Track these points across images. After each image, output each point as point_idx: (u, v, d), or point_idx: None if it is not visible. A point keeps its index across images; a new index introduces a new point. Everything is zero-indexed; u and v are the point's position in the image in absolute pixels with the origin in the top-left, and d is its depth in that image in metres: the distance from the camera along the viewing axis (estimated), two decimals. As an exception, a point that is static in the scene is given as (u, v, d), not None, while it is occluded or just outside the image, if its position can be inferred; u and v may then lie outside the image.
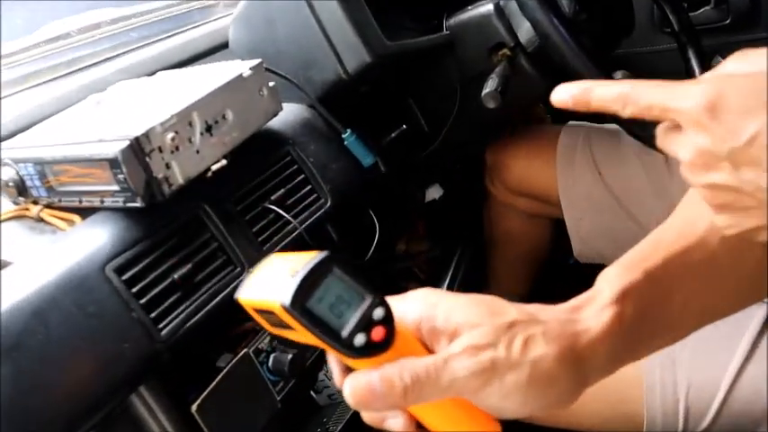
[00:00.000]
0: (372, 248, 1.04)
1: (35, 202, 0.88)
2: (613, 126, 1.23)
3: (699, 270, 0.57)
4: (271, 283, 0.46)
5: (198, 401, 0.80)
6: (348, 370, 0.50)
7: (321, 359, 0.98)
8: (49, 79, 1.07)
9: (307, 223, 0.94)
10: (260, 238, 0.89)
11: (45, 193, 0.86)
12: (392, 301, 0.50)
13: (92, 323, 0.73)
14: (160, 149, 0.79)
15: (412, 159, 1.19)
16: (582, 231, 1.25)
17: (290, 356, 0.90)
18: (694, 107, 0.45)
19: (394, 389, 0.47)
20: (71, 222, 0.85)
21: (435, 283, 1.40)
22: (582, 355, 0.50)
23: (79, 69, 1.10)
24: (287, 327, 0.46)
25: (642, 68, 1.53)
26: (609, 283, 0.54)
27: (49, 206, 0.88)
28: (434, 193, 1.35)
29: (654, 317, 0.54)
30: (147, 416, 0.79)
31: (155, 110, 0.82)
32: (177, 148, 0.81)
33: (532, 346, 0.48)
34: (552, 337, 0.49)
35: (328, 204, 0.98)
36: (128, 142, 0.76)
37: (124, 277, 0.77)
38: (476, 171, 1.39)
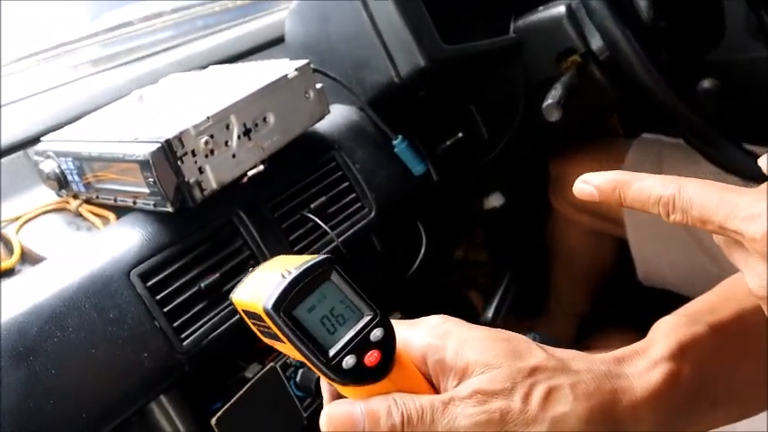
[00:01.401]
0: (417, 263, 0.99)
1: (75, 197, 0.88)
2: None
3: None
4: (264, 283, 0.41)
5: (218, 414, 0.78)
6: (339, 397, 0.43)
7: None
8: (102, 69, 1.07)
9: (347, 234, 0.90)
10: (296, 248, 0.86)
11: (84, 189, 0.85)
12: (399, 325, 0.44)
13: (111, 329, 0.71)
14: (193, 153, 0.76)
15: (469, 166, 1.12)
16: (647, 257, 1.16)
17: (319, 372, 0.86)
18: (760, 236, 0.37)
19: (378, 427, 0.40)
20: (106, 220, 0.84)
21: (494, 292, 1.34)
22: (620, 418, 0.41)
23: (134, 60, 1.08)
24: (276, 337, 0.41)
25: (735, 77, 1.41)
26: (665, 335, 0.45)
27: (88, 201, 0.87)
28: (495, 201, 1.29)
29: (717, 383, 0.46)
30: (165, 425, 0.77)
31: (193, 110, 0.80)
32: (212, 152, 0.78)
33: (556, 399, 0.40)
34: (584, 392, 0.41)
35: (372, 214, 0.93)
36: (158, 145, 0.74)
37: (149, 284, 0.75)
38: (540, 182, 1.31)
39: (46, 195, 0.89)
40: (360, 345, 0.40)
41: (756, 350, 0.47)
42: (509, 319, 1.22)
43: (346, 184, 0.93)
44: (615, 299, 1.37)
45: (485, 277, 1.38)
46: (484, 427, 0.39)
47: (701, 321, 0.46)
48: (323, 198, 0.89)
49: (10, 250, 0.82)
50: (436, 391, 0.43)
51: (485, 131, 1.11)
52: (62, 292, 0.70)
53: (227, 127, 0.80)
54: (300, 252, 0.86)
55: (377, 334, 0.40)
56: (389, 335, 0.41)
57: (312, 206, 0.88)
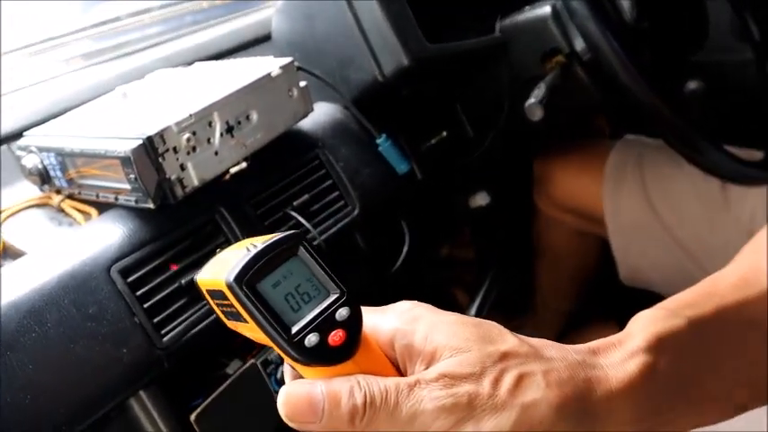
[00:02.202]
0: (401, 261, 1.00)
1: (58, 192, 0.88)
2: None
3: (759, 331, 0.47)
4: (228, 260, 0.39)
5: (198, 411, 0.78)
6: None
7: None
8: (88, 65, 1.07)
9: (329, 232, 0.90)
10: (278, 245, 0.86)
11: (66, 184, 0.85)
12: (369, 310, 0.43)
13: (90, 325, 0.71)
14: (175, 150, 0.77)
15: (454, 165, 1.13)
16: (629, 258, 1.17)
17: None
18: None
19: (339, 408, 0.38)
20: (88, 216, 0.84)
21: (478, 289, 1.35)
22: (593, 409, 0.39)
23: (120, 56, 1.08)
24: (239, 317, 0.40)
25: (719, 79, 1.41)
26: (642, 327, 0.44)
27: (70, 197, 0.87)
28: (481, 199, 1.29)
29: (696, 379, 0.44)
30: (144, 421, 0.77)
31: (176, 107, 0.80)
32: (194, 149, 0.78)
33: (527, 386, 0.38)
34: (556, 380, 0.39)
35: (356, 212, 0.94)
36: (140, 141, 0.74)
37: (129, 279, 0.75)
38: (525, 181, 1.32)
39: (29, 191, 0.90)
40: (324, 323, 0.39)
41: (739, 349, 0.47)
42: (494, 317, 1.22)
43: (329, 182, 0.93)
44: (601, 297, 1.38)
45: (470, 276, 1.38)
46: (450, 411, 0.37)
47: (681, 315, 0.45)
48: (306, 196, 0.90)
49: (-8, 245, 0.82)
50: (403, 376, 0.41)
51: (470, 130, 1.11)
52: (41, 287, 0.71)
53: (210, 124, 0.80)
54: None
55: (342, 313, 0.39)
56: (356, 315, 0.40)
57: (295, 204, 0.89)
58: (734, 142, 1.02)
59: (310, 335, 0.38)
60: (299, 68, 0.91)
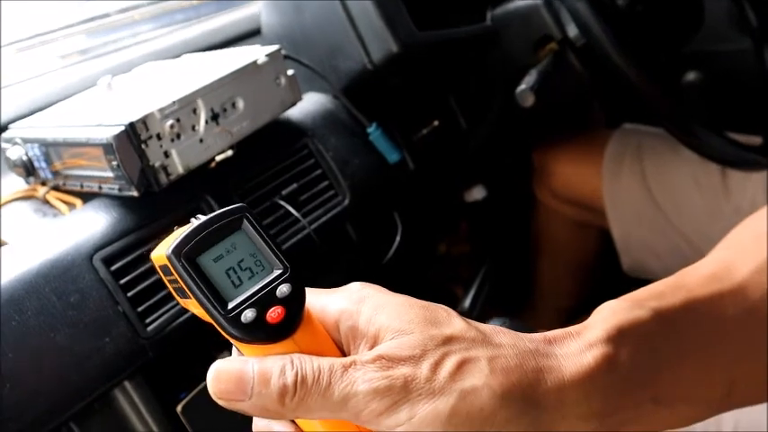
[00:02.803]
0: (392, 251, 0.98)
1: (43, 184, 0.87)
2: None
3: (730, 326, 0.44)
4: (177, 234, 0.39)
5: (184, 402, 0.77)
6: None
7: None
8: (76, 61, 1.06)
9: (319, 222, 0.89)
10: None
11: (51, 176, 0.84)
12: (319, 291, 0.42)
13: (71, 314, 0.70)
14: (158, 137, 0.75)
15: (448, 157, 1.12)
16: (631, 248, 1.15)
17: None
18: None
19: (269, 387, 0.36)
20: (72, 206, 0.83)
21: (473, 281, 1.32)
22: (541, 399, 0.37)
23: (108, 52, 1.08)
24: (186, 294, 0.39)
25: (718, 69, 1.40)
26: (603, 319, 0.41)
27: (56, 188, 0.86)
28: (477, 194, 1.28)
29: (660, 374, 0.41)
30: (130, 412, 0.75)
31: (160, 94, 0.79)
32: (178, 136, 0.77)
33: (469, 371, 0.36)
34: (502, 367, 0.37)
35: (346, 202, 0.92)
36: (122, 128, 0.73)
37: (112, 268, 0.74)
38: (522, 173, 1.30)
39: (16, 184, 0.89)
40: (263, 299, 0.38)
41: (707, 344, 0.43)
42: (491, 313, 1.21)
43: (319, 171, 0.92)
44: (602, 289, 1.36)
45: (467, 271, 1.36)
46: (384, 393, 0.36)
47: (646, 306, 0.42)
48: (294, 185, 0.88)
49: (-24, 238, 0.81)
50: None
51: (462, 121, 1.10)
52: (21, 276, 0.69)
53: (195, 111, 0.79)
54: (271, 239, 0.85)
55: (283, 290, 0.38)
56: (297, 292, 0.39)
57: (283, 193, 0.87)
58: (733, 129, 1.01)
59: (247, 310, 0.37)
60: (286, 57, 0.90)
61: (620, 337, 0.40)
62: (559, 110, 1.13)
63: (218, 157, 0.82)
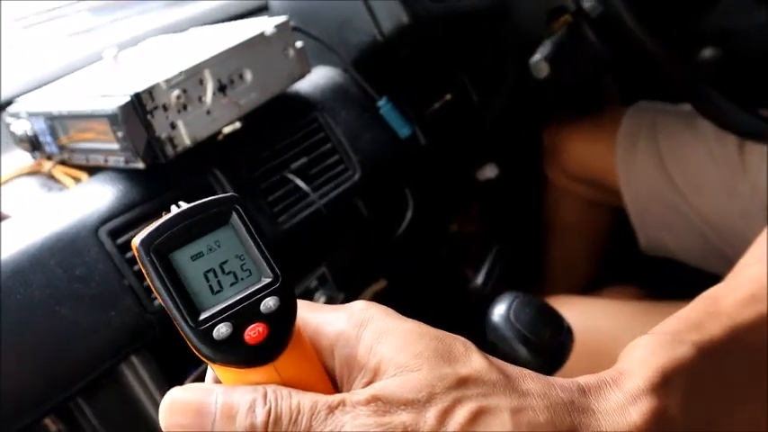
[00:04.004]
0: (403, 227, 0.96)
1: (49, 158, 0.85)
2: (688, 108, 1.09)
3: None
4: (161, 218, 0.33)
5: (192, 377, 0.76)
6: (218, 382, 0.33)
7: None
8: (83, 36, 1.05)
9: (329, 196, 0.87)
10: (275, 209, 0.83)
11: (57, 150, 0.83)
12: (319, 307, 0.35)
13: (77, 287, 0.69)
14: (165, 108, 0.74)
15: (460, 134, 1.10)
16: (647, 227, 1.13)
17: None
18: None
19: (233, 426, 0.30)
20: (78, 180, 0.82)
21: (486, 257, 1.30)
22: None
23: (116, 25, 1.06)
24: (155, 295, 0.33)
25: (736, 46, 1.37)
26: (642, 361, 0.34)
27: (62, 163, 0.85)
28: (489, 172, 1.25)
29: (715, 422, 0.35)
30: (137, 387, 0.74)
31: (166, 66, 0.77)
32: (185, 107, 0.76)
33: (486, 425, 0.29)
34: (530, 423, 0.30)
35: (357, 177, 0.90)
36: (128, 98, 0.71)
37: (119, 241, 0.72)
38: (535, 151, 1.28)
39: (22, 160, 0.87)
40: (243, 313, 0.31)
41: (758, 377, 0.37)
42: (503, 290, 1.19)
43: (329, 145, 0.90)
44: (615, 271, 1.34)
45: (479, 252, 1.34)
46: None
47: (686, 341, 0.36)
48: (304, 159, 0.87)
49: (-18, 214, 0.80)
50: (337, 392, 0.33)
51: (474, 95, 1.07)
52: (26, 248, 0.68)
53: (201, 82, 0.77)
54: (279, 214, 0.83)
55: (269, 303, 0.31)
56: (285, 308, 0.32)
57: (293, 167, 0.86)
58: (749, 105, 0.98)
59: (221, 324, 0.31)
60: (295, 29, 0.88)
61: (666, 385, 0.33)
62: (573, 84, 1.11)
63: (226, 130, 0.80)
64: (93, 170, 0.81)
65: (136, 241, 0.32)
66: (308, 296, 0.85)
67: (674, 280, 1.14)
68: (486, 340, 0.68)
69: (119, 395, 0.73)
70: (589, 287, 1.32)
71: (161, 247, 0.31)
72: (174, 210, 0.32)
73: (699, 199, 1.06)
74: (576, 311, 0.66)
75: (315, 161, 0.88)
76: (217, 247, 0.32)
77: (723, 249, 1.06)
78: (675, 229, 1.10)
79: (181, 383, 0.73)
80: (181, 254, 0.32)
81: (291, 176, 0.85)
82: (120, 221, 0.73)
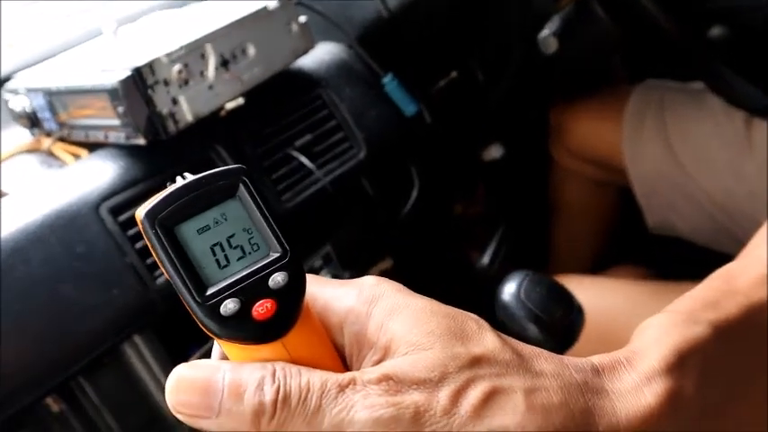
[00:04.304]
0: (409, 206, 0.95)
1: (48, 135, 0.84)
2: (697, 87, 1.07)
3: None
4: (166, 190, 0.32)
5: (195, 357, 0.75)
6: (224, 359, 0.32)
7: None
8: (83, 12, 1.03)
9: (334, 174, 0.86)
10: (279, 187, 0.82)
11: (56, 126, 0.81)
12: (328, 282, 0.34)
13: (78, 265, 0.67)
14: (166, 82, 0.72)
15: (465, 112, 1.08)
16: (654, 207, 1.11)
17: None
18: None
19: (241, 404, 0.29)
20: (78, 157, 0.80)
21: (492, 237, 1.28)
22: None
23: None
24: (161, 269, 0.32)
25: (744, 24, 1.35)
26: (656, 340, 0.34)
27: (61, 139, 0.83)
28: (495, 152, 1.24)
29: (731, 406, 0.34)
30: (139, 366, 0.73)
31: (167, 40, 0.76)
32: (186, 82, 0.74)
33: (500, 406, 0.29)
34: (543, 404, 0.29)
35: (362, 155, 0.89)
36: (128, 73, 0.70)
37: (120, 218, 0.71)
38: (541, 131, 1.26)
39: (21, 137, 0.86)
40: (251, 288, 0.30)
41: None
42: (510, 269, 1.17)
43: (333, 122, 0.88)
44: (622, 251, 1.32)
45: (484, 233, 1.33)
46: (387, 425, 0.28)
47: (702, 320, 0.35)
48: (308, 136, 0.85)
49: (-20, 192, 0.79)
50: (346, 370, 0.32)
51: (480, 73, 1.06)
52: (26, 226, 0.67)
53: (203, 57, 0.75)
54: (284, 192, 0.82)
55: (278, 279, 0.31)
56: (296, 284, 0.31)
57: (297, 144, 0.84)
58: (760, 81, 0.97)
59: (228, 300, 0.30)
60: (298, 3, 0.87)
61: (682, 365, 0.32)
62: (581, 62, 1.09)
63: (229, 106, 0.79)
64: (93, 147, 0.79)
65: (140, 214, 0.31)
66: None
67: (681, 259, 1.13)
68: (495, 320, 0.67)
69: (121, 374, 0.72)
70: (595, 267, 1.31)
71: (166, 221, 0.30)
72: (180, 181, 0.31)
73: (706, 178, 1.05)
74: (584, 291, 0.65)
75: (319, 138, 0.87)
76: (224, 221, 0.31)
77: (731, 229, 1.05)
78: (682, 209, 1.08)
79: (184, 360, 0.72)
80: (187, 227, 0.31)
81: (296, 154, 0.83)
82: (122, 198, 0.72)
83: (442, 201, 1.16)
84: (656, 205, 1.12)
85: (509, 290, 0.65)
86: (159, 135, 0.73)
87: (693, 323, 0.35)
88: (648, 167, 1.12)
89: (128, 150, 0.75)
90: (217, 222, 0.31)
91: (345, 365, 0.33)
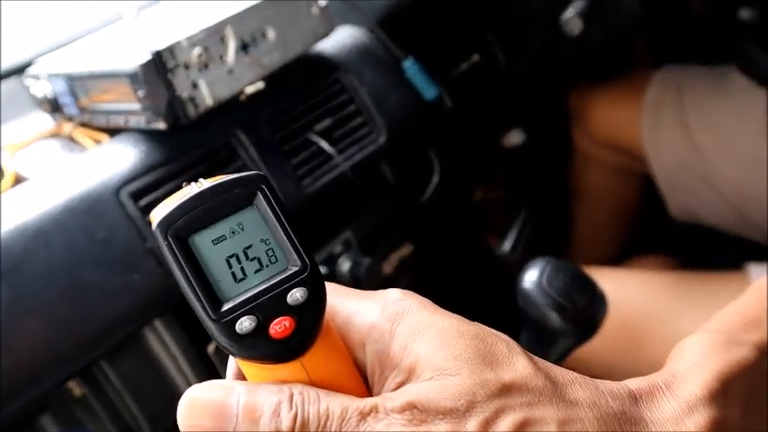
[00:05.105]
0: (429, 192, 0.94)
1: (70, 120, 0.84)
2: (718, 72, 1.05)
3: None
4: (180, 197, 0.31)
5: (213, 343, 0.75)
6: (240, 375, 0.31)
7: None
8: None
9: (354, 159, 0.85)
10: (299, 172, 0.81)
11: (77, 112, 0.81)
12: (348, 293, 0.33)
13: (99, 249, 0.67)
14: (186, 66, 0.72)
15: (486, 97, 1.06)
16: (676, 193, 1.09)
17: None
18: None
19: (255, 427, 0.28)
20: (99, 142, 0.80)
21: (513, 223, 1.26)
22: None
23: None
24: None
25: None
26: (697, 364, 0.32)
27: (82, 125, 0.83)
28: (515, 137, 1.22)
29: None
30: (161, 350, 0.73)
31: (187, 24, 0.75)
32: (206, 66, 0.74)
33: None
34: None
35: (382, 140, 0.88)
36: (148, 57, 0.69)
37: (141, 203, 0.71)
38: (562, 116, 1.24)
39: (43, 122, 0.86)
40: (268, 305, 0.29)
41: None
42: (530, 257, 1.16)
43: (353, 107, 0.87)
44: (645, 239, 1.31)
45: (503, 220, 1.32)
46: None
47: (744, 341, 0.33)
48: (328, 120, 0.85)
49: (2, 177, 0.79)
50: (369, 394, 0.31)
51: (501, 56, 1.04)
52: (48, 210, 0.67)
53: (223, 40, 0.75)
54: (303, 177, 0.81)
55: (297, 295, 0.29)
56: (315, 301, 0.30)
57: (316, 128, 0.84)
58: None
59: (245, 317, 0.29)
60: (318, -14, 0.85)
61: (726, 392, 0.31)
62: (605, 44, 1.07)
63: (249, 90, 0.78)
64: (113, 132, 0.79)
65: (154, 222, 0.30)
66: (333, 261, 0.83)
67: (706, 246, 1.12)
68: (517, 307, 0.66)
69: (142, 358, 0.73)
70: (618, 255, 1.29)
71: (180, 231, 0.29)
72: (195, 187, 0.30)
73: (727, 166, 1.03)
74: (606, 283, 0.64)
75: (339, 123, 0.86)
76: (240, 230, 0.30)
77: (754, 217, 1.03)
78: (705, 197, 1.07)
79: (203, 347, 0.72)
80: (201, 237, 0.30)
81: (316, 138, 0.82)
82: (142, 183, 0.72)
83: (462, 186, 1.15)
84: (679, 193, 1.11)
85: (531, 277, 0.64)
86: (179, 119, 0.72)
87: (736, 345, 0.33)
88: (669, 155, 1.10)
89: (148, 135, 0.75)
90: (233, 232, 0.30)
91: (367, 384, 0.31)
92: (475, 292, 1.03)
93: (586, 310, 0.62)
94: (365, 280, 0.84)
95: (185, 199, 0.30)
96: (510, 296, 0.69)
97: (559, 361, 0.63)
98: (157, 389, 0.74)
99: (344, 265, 0.84)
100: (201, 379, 0.74)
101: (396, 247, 0.90)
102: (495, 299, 1.01)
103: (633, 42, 1.25)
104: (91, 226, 0.68)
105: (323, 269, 0.83)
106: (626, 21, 0.96)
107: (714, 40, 0.88)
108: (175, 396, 0.73)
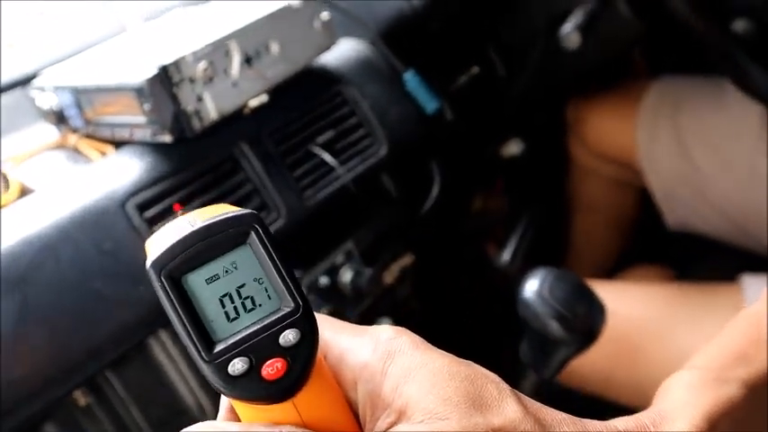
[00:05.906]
0: (431, 204, 0.95)
1: (75, 132, 0.85)
2: (714, 83, 1.06)
3: None
4: (171, 233, 0.31)
5: (219, 352, 0.75)
6: (233, 412, 0.32)
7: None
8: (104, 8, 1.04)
9: (356, 171, 0.86)
10: (301, 184, 0.82)
11: (82, 123, 0.82)
12: (342, 328, 0.33)
13: (106, 261, 0.68)
14: (191, 80, 0.73)
15: (486, 108, 1.08)
16: (672, 206, 1.11)
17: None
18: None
19: None
20: (104, 154, 0.81)
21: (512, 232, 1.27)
22: None
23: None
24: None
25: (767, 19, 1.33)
26: (685, 403, 0.32)
27: (88, 136, 0.84)
28: (514, 148, 1.23)
29: None
30: (165, 361, 0.74)
31: (191, 38, 0.76)
32: (211, 80, 0.75)
33: None
34: None
35: (383, 152, 0.89)
36: (155, 71, 0.71)
37: (146, 215, 0.72)
38: (560, 127, 1.26)
39: (48, 134, 0.87)
40: (261, 346, 0.29)
41: None
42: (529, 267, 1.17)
43: (354, 119, 0.88)
44: (642, 250, 1.32)
45: (502, 229, 1.33)
46: None
47: (732, 379, 0.34)
48: (330, 133, 0.86)
49: (8, 188, 0.80)
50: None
51: (501, 68, 1.05)
52: (54, 222, 0.68)
53: (227, 54, 0.76)
54: (305, 189, 0.82)
55: (289, 337, 0.29)
56: (308, 342, 0.30)
57: (319, 141, 0.85)
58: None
59: (237, 359, 0.29)
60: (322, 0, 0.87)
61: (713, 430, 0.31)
62: (602, 58, 1.08)
63: (253, 104, 0.79)
64: (119, 144, 0.80)
65: (148, 260, 0.30)
66: (335, 271, 0.84)
67: (703, 257, 1.13)
68: (516, 316, 0.67)
69: (146, 368, 0.74)
70: (615, 266, 1.30)
71: (174, 272, 0.30)
72: (188, 227, 0.30)
73: (723, 179, 1.04)
74: (603, 295, 0.65)
75: (341, 135, 0.87)
76: (234, 270, 0.30)
77: (750, 228, 1.04)
78: (701, 210, 1.08)
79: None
80: (195, 277, 0.30)
81: (318, 150, 0.84)
82: (148, 195, 0.73)
83: (462, 197, 1.16)
84: (675, 206, 1.12)
85: (532, 287, 0.65)
86: (185, 132, 0.73)
87: (724, 382, 0.33)
88: (665, 169, 1.11)
89: (153, 148, 0.76)
90: (227, 271, 0.30)
91: (359, 423, 0.32)
92: (475, 301, 1.04)
93: (586, 320, 0.64)
94: (366, 290, 0.85)
95: (179, 238, 0.30)
96: (510, 305, 0.70)
97: (559, 369, 0.64)
98: (162, 398, 0.75)
99: (346, 275, 0.85)
100: (205, 389, 0.75)
101: (397, 258, 0.91)
102: (495, 308, 1.02)
103: (630, 53, 1.26)
104: (97, 237, 0.69)
105: (325, 279, 0.84)
106: (623, 34, 0.97)
107: (708, 53, 0.89)
108: (179, 405, 0.74)
